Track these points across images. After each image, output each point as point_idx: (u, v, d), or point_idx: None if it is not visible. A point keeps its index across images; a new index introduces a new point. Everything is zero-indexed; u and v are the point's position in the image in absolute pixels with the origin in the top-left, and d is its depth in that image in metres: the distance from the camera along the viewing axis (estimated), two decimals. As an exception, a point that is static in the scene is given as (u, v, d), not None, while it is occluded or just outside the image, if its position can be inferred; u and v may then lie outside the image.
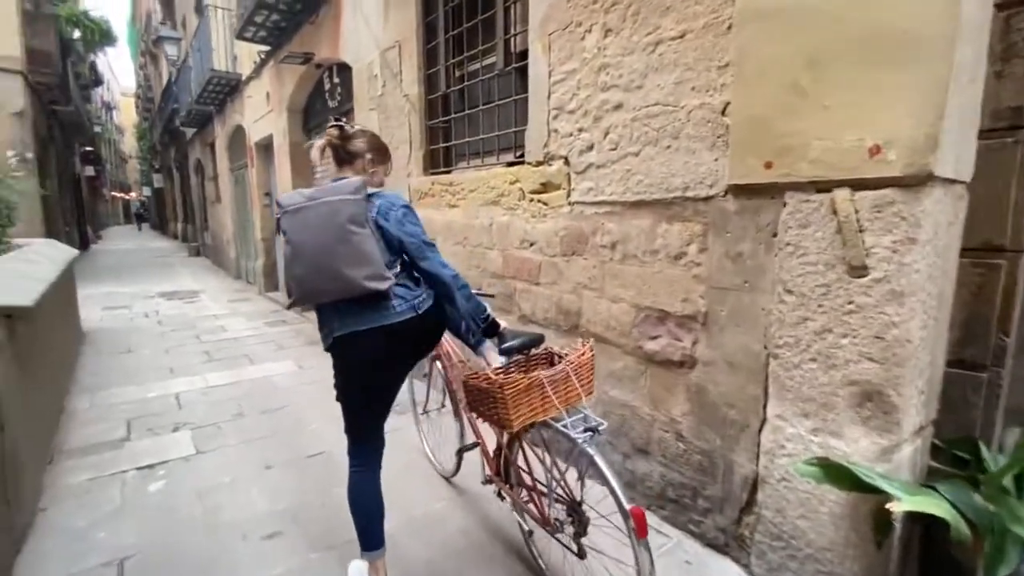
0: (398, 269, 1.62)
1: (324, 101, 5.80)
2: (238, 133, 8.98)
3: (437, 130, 3.68)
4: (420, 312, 1.64)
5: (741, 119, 1.76)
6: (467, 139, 3.41)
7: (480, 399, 1.65)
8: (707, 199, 1.93)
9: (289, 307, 1.56)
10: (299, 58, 5.27)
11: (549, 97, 2.58)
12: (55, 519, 2.27)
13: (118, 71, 44.73)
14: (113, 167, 37.97)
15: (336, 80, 5.38)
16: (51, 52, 8.91)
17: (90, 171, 20.31)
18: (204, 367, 4.60)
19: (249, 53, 7.12)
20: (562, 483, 1.71)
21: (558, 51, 2.50)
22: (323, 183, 1.62)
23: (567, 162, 2.53)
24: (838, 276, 1.56)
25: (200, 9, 9.42)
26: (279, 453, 2.92)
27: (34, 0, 8.64)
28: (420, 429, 2.87)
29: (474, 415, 1.93)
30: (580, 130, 2.43)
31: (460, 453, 2.38)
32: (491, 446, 2.04)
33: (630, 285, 2.28)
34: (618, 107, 2.23)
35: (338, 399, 1.74)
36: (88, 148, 19.63)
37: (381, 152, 1.78)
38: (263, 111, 7.16)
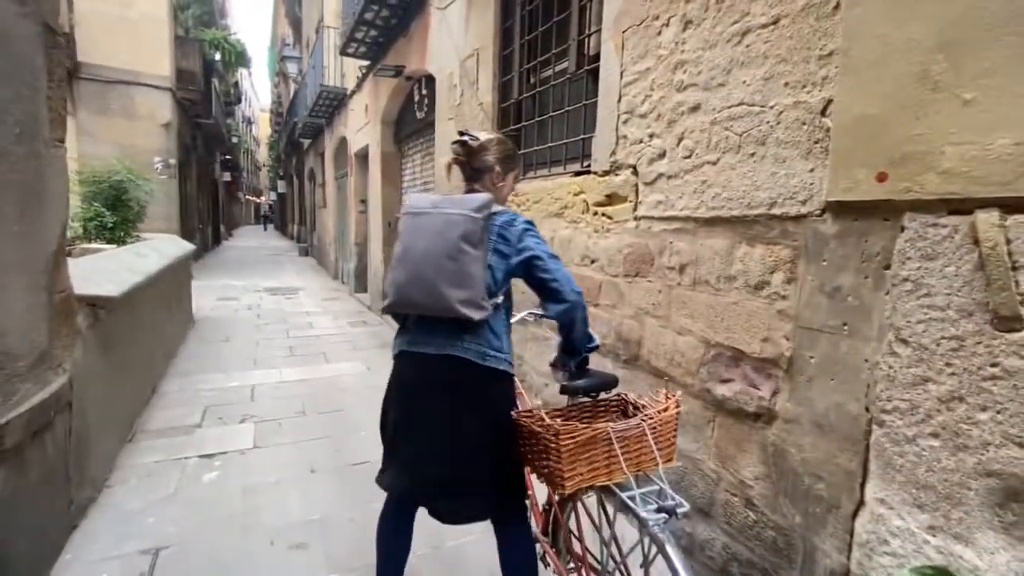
0: (500, 299, 1.46)
1: (413, 112, 5.96)
2: (342, 144, 9.62)
3: (509, 138, 3.55)
4: (483, 364, 1.41)
5: (847, 120, 1.40)
6: (535, 147, 3.24)
7: (530, 444, 1.37)
8: (798, 218, 1.57)
9: (383, 311, 1.50)
10: (391, 71, 5.46)
11: (620, 100, 2.33)
12: (116, 498, 2.41)
13: (259, 90, 50.74)
14: (249, 174, 43.12)
15: (424, 92, 5.50)
16: (196, 72, 10.21)
17: (227, 177, 23.14)
18: (284, 361, 4.85)
19: (354, 70, 7.58)
20: (621, 566, 1.45)
21: (631, 49, 2.25)
22: (456, 187, 1.62)
23: (635, 172, 2.26)
24: (977, 327, 1.16)
25: (318, 30, 10.28)
26: (327, 457, 2.92)
27: (185, 26, 9.96)
28: None
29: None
30: (651, 136, 2.16)
31: None
32: (540, 497, 1.81)
33: (700, 316, 1.95)
34: (695, 109, 1.93)
35: (381, 419, 1.61)
36: (227, 156, 22.41)
37: (509, 160, 1.60)
38: (362, 123, 7.57)
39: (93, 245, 4.09)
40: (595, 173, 2.52)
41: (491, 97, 3.56)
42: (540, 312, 2.12)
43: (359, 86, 7.50)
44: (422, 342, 1.45)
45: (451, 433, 1.43)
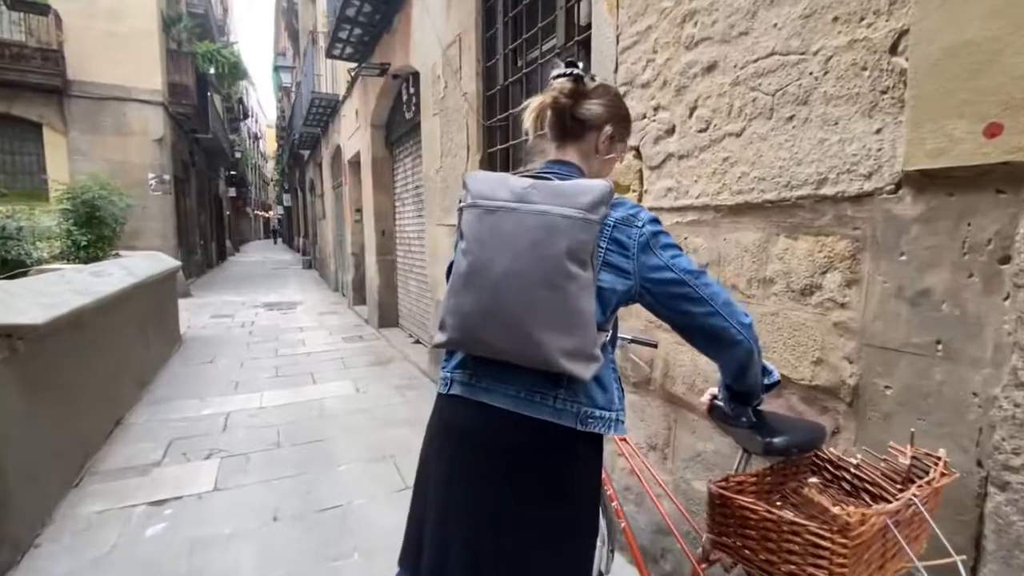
0: (608, 334, 1.01)
1: (403, 113, 5.63)
2: (338, 152, 9.35)
3: (495, 130, 3.17)
4: (583, 430, 0.95)
5: (933, 53, 0.99)
6: (525, 138, 2.85)
7: (755, 535, 0.94)
8: (860, 198, 1.16)
9: (435, 347, 1.00)
10: (376, 69, 5.14)
11: (616, 70, 1.93)
12: (40, 561, 2.05)
13: (265, 106, 51.26)
14: (257, 189, 43.46)
15: (412, 91, 5.16)
16: (189, 85, 10.02)
17: (232, 192, 23.13)
18: (268, 383, 4.50)
19: (346, 75, 7.29)
20: None
21: (628, 6, 1.85)
22: (534, 164, 1.07)
23: (638, 154, 1.86)
24: None
25: (312, 38, 10.06)
26: (294, 501, 2.54)
27: (177, 40, 9.79)
28: None
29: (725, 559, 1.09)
30: (656, 109, 1.76)
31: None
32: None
33: (726, 329, 1.53)
34: (710, 69, 1.53)
35: (418, 469, 1.12)
36: (232, 172, 22.39)
37: (624, 125, 1.10)
38: (353, 128, 7.27)
39: (51, 266, 3.78)
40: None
41: (475, 86, 3.19)
42: (641, 338, 1.67)
43: (349, 90, 7.21)
44: (488, 388, 0.99)
45: (503, 528, 0.96)
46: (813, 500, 0.83)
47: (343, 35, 5.54)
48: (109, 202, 4.93)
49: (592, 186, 0.87)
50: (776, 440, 1.08)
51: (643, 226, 0.94)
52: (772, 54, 1.33)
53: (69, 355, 2.70)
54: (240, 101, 23.31)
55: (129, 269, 4.08)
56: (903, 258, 1.08)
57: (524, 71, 2.81)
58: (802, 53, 1.26)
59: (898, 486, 1.00)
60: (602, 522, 1.62)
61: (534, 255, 0.86)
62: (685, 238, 1.68)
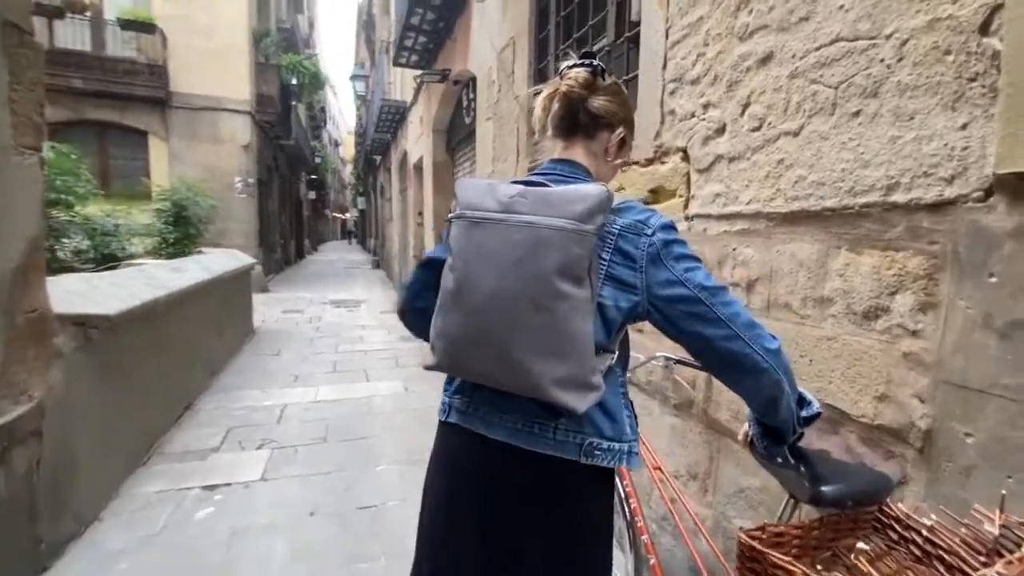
0: (614, 356, 0.89)
1: (462, 118, 5.69)
2: (404, 157, 9.65)
3: (545, 133, 3.10)
4: (587, 463, 0.86)
5: (1038, 29, 0.81)
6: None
7: None
8: (940, 206, 0.97)
9: (426, 368, 0.92)
10: (437, 75, 5.23)
11: (665, 65, 1.80)
12: (101, 534, 2.21)
13: (347, 114, 54.27)
14: (335, 192, 46.09)
15: (471, 96, 5.20)
16: (274, 95, 10.76)
17: (312, 195, 24.63)
18: (324, 378, 4.68)
19: (413, 83, 7.52)
20: None
21: (679, -3, 1.72)
22: (541, 162, 1.03)
23: (686, 156, 1.71)
24: None
25: (387, 49, 10.48)
26: (332, 496, 2.59)
27: (265, 53, 10.55)
28: None
29: None
30: (706, 106, 1.61)
31: None
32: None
33: (776, 352, 1.36)
34: (765, 61, 1.37)
35: (422, 498, 1.06)
36: (312, 176, 23.85)
37: (632, 129, 1.03)
38: (418, 134, 7.47)
39: (139, 261, 4.15)
40: (637, 163, 1.99)
41: (527, 88, 3.14)
42: (686, 358, 1.49)
43: (415, 97, 7.42)
44: (485, 418, 0.92)
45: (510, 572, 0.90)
46: (863, 571, 0.69)
47: (408, 43, 5.69)
48: (194, 203, 5.37)
49: (587, 192, 0.77)
50: (828, 489, 0.92)
51: (653, 234, 0.83)
52: (836, 40, 1.16)
53: (143, 344, 2.93)
54: (322, 109, 24.83)
55: (205, 265, 4.40)
56: (993, 280, 0.89)
57: (574, 72, 2.72)
58: (872, 38, 1.08)
59: (981, 559, 0.81)
60: (629, 557, 1.50)
61: (520, 273, 0.78)
62: (734, 248, 1.52)
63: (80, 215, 3.90)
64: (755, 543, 0.83)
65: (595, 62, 0.94)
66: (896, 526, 0.95)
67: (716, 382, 1.61)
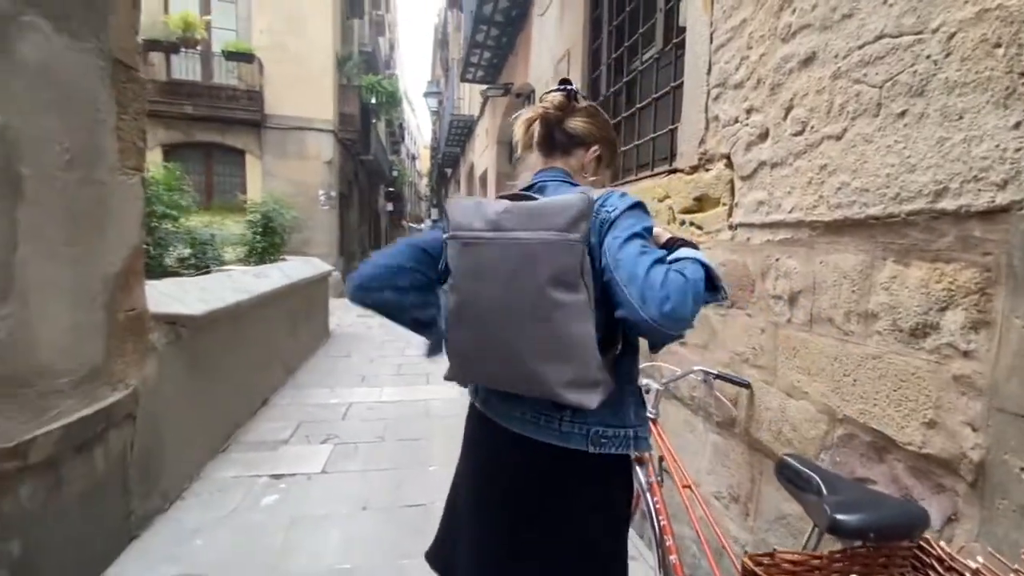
0: (619, 346, 0.91)
1: (524, 129, 5.78)
2: (471, 169, 9.93)
3: (597, 142, 3.09)
4: (595, 452, 0.90)
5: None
6: (623, 149, 2.72)
7: None
8: (992, 213, 0.88)
9: (445, 378, 1.01)
10: (500, 89, 5.37)
11: (709, 70, 1.75)
12: (182, 512, 2.47)
13: (423, 130, 56.80)
14: (411, 203, 48.24)
15: (533, 106, 5.28)
16: (355, 114, 11.51)
17: (389, 207, 25.95)
18: (388, 380, 4.92)
19: (480, 98, 7.76)
20: None
21: (723, 0, 1.67)
22: (522, 178, 1.10)
23: (729, 163, 1.65)
24: None
25: (457, 66, 10.90)
26: (384, 493, 2.72)
27: (348, 75, 11.32)
28: None
29: None
30: (749, 111, 1.55)
31: None
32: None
33: (820, 372, 1.28)
34: (808, 61, 1.30)
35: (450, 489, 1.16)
36: (390, 189, 25.14)
37: (610, 147, 1.09)
38: (483, 147, 7.67)
39: (228, 267, 4.60)
40: (681, 171, 1.94)
41: (580, 98, 3.15)
42: (730, 375, 1.55)
43: (482, 111, 7.63)
44: (496, 411, 0.98)
45: (525, 554, 0.94)
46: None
47: (474, 59, 5.90)
48: (279, 215, 5.87)
49: (569, 202, 0.80)
50: (847, 517, 0.86)
51: (614, 210, 0.87)
52: (880, 37, 1.09)
53: (227, 342, 3.25)
54: (400, 126, 26.17)
55: (286, 272, 4.79)
56: (1051, 296, 0.79)
57: (625, 79, 2.70)
58: (918, 33, 1.00)
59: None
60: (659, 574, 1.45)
61: (519, 285, 0.82)
62: (776, 259, 1.44)
63: (183, 226, 4.39)
64: (758, 569, 0.79)
65: (569, 87, 1.03)
66: (937, 566, 0.86)
67: (758, 401, 1.53)
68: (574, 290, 0.80)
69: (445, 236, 0.94)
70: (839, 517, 0.83)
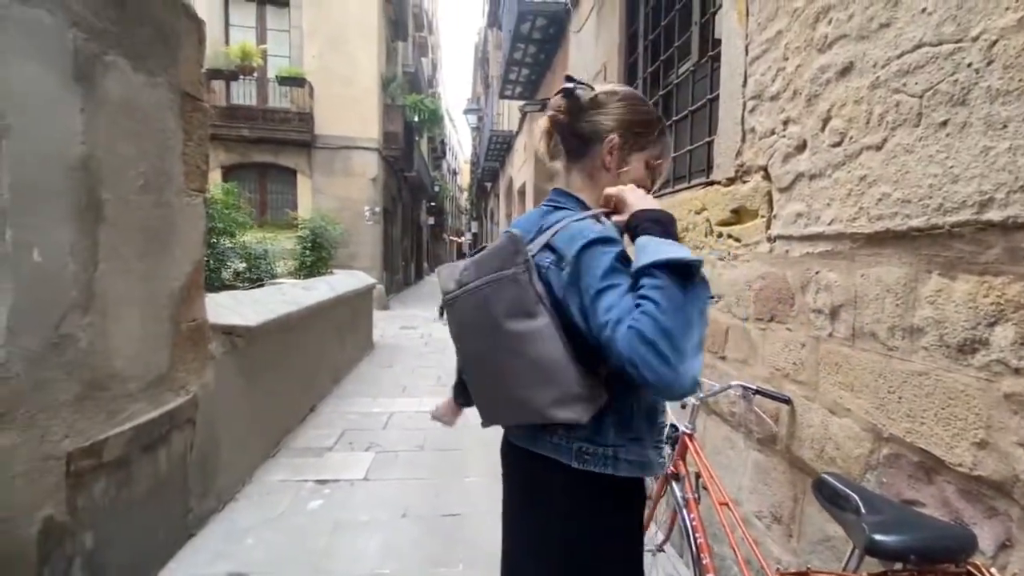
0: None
1: (562, 143, 5.84)
2: (510, 183, 10.06)
3: (634, 155, 3.09)
4: (578, 467, 0.89)
5: None
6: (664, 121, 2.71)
7: None
8: (1041, 225, 0.85)
9: (483, 425, 1.02)
10: (537, 105, 5.44)
11: (745, 83, 1.74)
12: (235, 512, 2.61)
13: (464, 146, 58.03)
14: (453, 217, 49.19)
15: (570, 120, 5.33)
16: (398, 132, 11.92)
17: (431, 221, 26.56)
18: (429, 390, 5.01)
19: (519, 114, 7.89)
20: None
21: (758, 12, 1.66)
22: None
23: (767, 175, 1.63)
24: None
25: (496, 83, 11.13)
26: (423, 501, 2.78)
27: (392, 95, 11.75)
28: None
29: None
30: (786, 122, 1.53)
31: None
32: None
33: (864, 388, 1.24)
34: (845, 72, 1.28)
35: None
36: (432, 203, 25.76)
37: (641, 129, 0.96)
38: (522, 161, 7.78)
39: (279, 280, 4.84)
40: (718, 183, 1.93)
41: (617, 112, 3.17)
42: (770, 391, 1.52)
43: (520, 126, 7.75)
44: (507, 428, 1.04)
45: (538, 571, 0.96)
46: None
47: (512, 76, 6.02)
48: (326, 230, 6.14)
49: (499, 244, 0.87)
50: (887, 538, 0.83)
51: (570, 235, 0.84)
52: (919, 46, 1.06)
53: (278, 352, 3.42)
54: (442, 142, 26.85)
55: (332, 285, 4.99)
56: (1108, 311, 0.75)
57: (660, 93, 2.70)
58: (958, 41, 0.98)
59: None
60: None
61: (481, 332, 0.89)
62: (816, 272, 1.41)
63: (239, 243, 4.68)
64: (789, 585, 0.78)
65: (575, 85, 0.95)
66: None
67: (799, 417, 1.49)
68: (532, 316, 0.82)
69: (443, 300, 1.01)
70: (877, 537, 0.81)
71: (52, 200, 1.58)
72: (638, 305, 0.70)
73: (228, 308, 2.76)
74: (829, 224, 1.35)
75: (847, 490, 0.94)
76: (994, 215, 0.92)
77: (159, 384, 2.09)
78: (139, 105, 1.91)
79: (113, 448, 1.81)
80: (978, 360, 0.96)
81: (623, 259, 0.80)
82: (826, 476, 1.02)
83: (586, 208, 0.95)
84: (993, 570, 0.83)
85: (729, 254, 1.86)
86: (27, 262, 1.51)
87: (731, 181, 1.84)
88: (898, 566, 0.85)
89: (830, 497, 0.98)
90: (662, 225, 0.79)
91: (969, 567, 0.85)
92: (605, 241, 0.81)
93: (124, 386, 1.89)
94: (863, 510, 0.87)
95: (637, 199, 0.84)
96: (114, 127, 1.80)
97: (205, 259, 2.72)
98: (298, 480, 2.99)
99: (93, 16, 1.70)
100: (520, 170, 8.03)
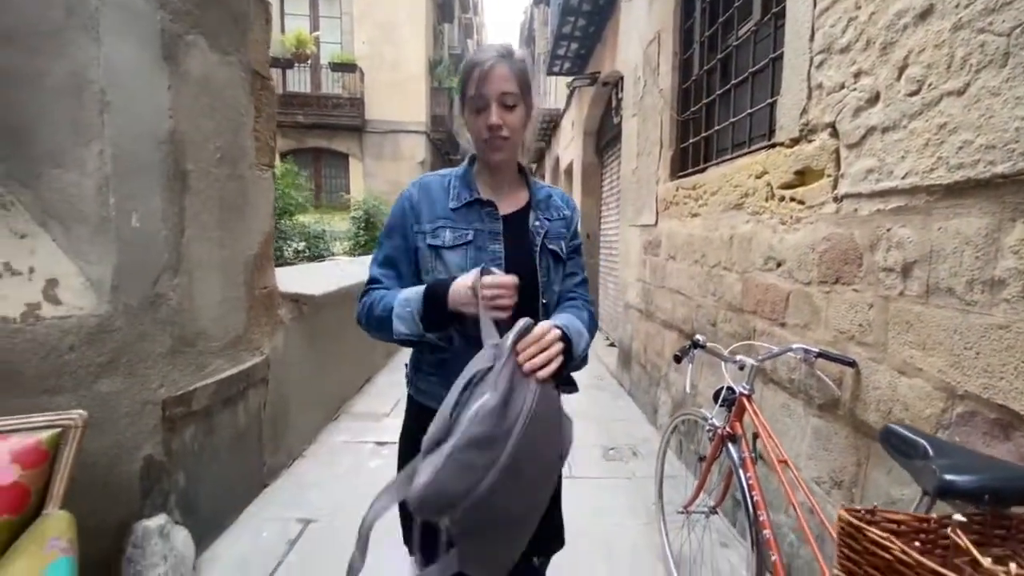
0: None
1: (611, 119, 5.73)
2: (557, 162, 9.98)
3: (687, 124, 3.01)
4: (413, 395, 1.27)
5: None
6: (716, 128, 2.64)
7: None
8: None
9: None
10: (587, 79, 5.37)
11: (812, 36, 1.67)
12: (302, 468, 2.81)
13: (508, 127, 57.87)
14: (497, 201, 49.48)
15: (619, 96, 5.22)
16: (444, 115, 12.02)
17: (476, 204, 26.78)
18: (477, 366, 5.13)
19: (566, 91, 7.78)
20: None
21: (828, -40, 1.58)
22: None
23: (834, 132, 1.57)
24: None
25: (542, 60, 10.98)
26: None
27: (439, 79, 11.84)
28: (665, 530, 2.06)
29: None
30: (857, 75, 1.46)
31: None
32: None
33: (937, 346, 1.20)
34: (924, 16, 1.21)
35: None
36: (477, 186, 25.95)
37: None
38: (569, 139, 7.69)
39: (336, 257, 5.06)
40: (781, 144, 1.87)
41: (670, 80, 3.09)
42: (833, 353, 1.52)
43: (567, 103, 7.65)
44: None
45: None
46: (960, 546, 0.63)
47: (561, 52, 5.94)
48: (379, 211, 6.33)
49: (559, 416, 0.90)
50: (958, 478, 0.82)
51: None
52: (1011, -21, 1.00)
53: (337, 322, 3.60)
54: (486, 124, 26.81)
55: (384, 262, 5.17)
56: None
57: (719, 56, 2.61)
58: (1057, -32, 0.91)
59: None
60: (751, 553, 1.44)
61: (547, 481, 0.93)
62: (888, 229, 1.36)
63: (298, 223, 4.92)
64: (853, 519, 0.78)
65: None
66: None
67: (865, 380, 1.45)
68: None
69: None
70: (948, 477, 0.80)
71: (146, 170, 1.74)
72: None
73: (294, 279, 2.93)
74: (903, 178, 1.29)
75: (915, 437, 0.92)
76: (1093, 153, 0.86)
77: (236, 344, 2.26)
78: (215, 82, 2.05)
79: (200, 399, 1.98)
80: (1068, 309, 0.91)
81: None
82: (893, 426, 1.01)
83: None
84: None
85: (792, 217, 1.81)
86: (127, 227, 1.67)
87: (795, 141, 1.78)
88: (970, 511, 0.83)
89: (898, 446, 0.96)
90: None
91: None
92: None
93: (208, 343, 2.06)
94: (932, 453, 0.86)
95: None
96: (195, 103, 1.94)
97: (272, 232, 2.89)
98: (358, 442, 3.17)
99: (177, -1, 1.83)
100: (567, 148, 7.95)
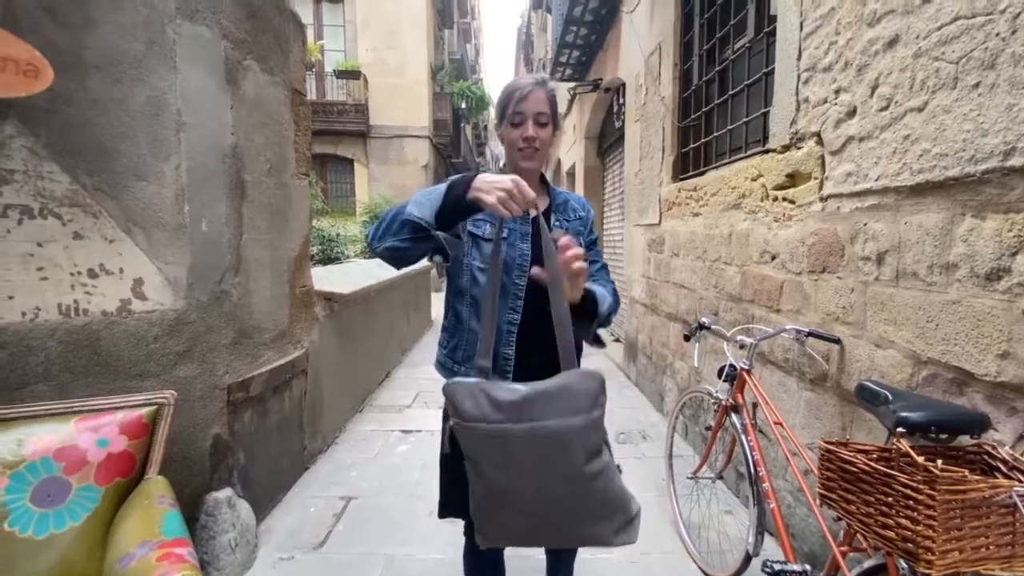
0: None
1: (612, 124, 5.96)
2: (558, 166, 10.21)
3: (688, 130, 3.24)
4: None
5: None
6: (714, 135, 2.87)
7: (857, 489, 0.98)
8: (1054, 166, 1.02)
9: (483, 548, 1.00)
10: (589, 86, 5.59)
11: (800, 56, 1.90)
12: (337, 453, 3.03)
13: (506, 129, 58.12)
14: (496, 203, 49.62)
15: (621, 101, 5.45)
16: (447, 120, 12.26)
17: (476, 206, 26.92)
18: (488, 362, 5.36)
19: (567, 95, 8.01)
20: None
21: (812, -9, 1.82)
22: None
23: (819, 140, 1.81)
24: None
25: (544, 66, 11.21)
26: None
27: (440, 84, 12.07)
28: (674, 495, 2.28)
29: (840, 509, 1.04)
30: (837, 92, 1.70)
31: (748, 561, 1.67)
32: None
33: (905, 321, 1.43)
34: (892, 44, 1.45)
35: None
36: (477, 189, 26.07)
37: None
38: (571, 143, 7.92)
39: (352, 260, 5.28)
40: (774, 150, 2.10)
41: (671, 89, 3.32)
42: (820, 332, 1.73)
43: (569, 108, 7.88)
44: None
45: None
46: (902, 450, 0.85)
47: (563, 59, 6.17)
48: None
49: (589, 385, 0.85)
50: (911, 414, 1.05)
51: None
52: (956, 19, 1.23)
53: (361, 320, 3.83)
54: (484, 128, 27.10)
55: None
56: (1103, 232, 0.93)
57: (717, 68, 2.85)
58: (988, 14, 1.15)
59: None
60: (752, 507, 1.66)
61: (552, 475, 0.86)
62: (864, 224, 1.59)
63: (315, 227, 5.13)
64: (830, 445, 1.01)
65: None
66: (1002, 467, 1.03)
67: (849, 354, 1.68)
68: (601, 454, 0.87)
69: (452, 423, 0.92)
70: (903, 414, 1.03)
71: (213, 181, 1.96)
72: None
73: (326, 279, 3.16)
74: (876, 180, 1.52)
75: (879, 388, 1.15)
76: (1016, 161, 1.09)
77: (282, 337, 2.49)
78: (265, 101, 2.28)
79: (256, 385, 2.21)
80: (1002, 285, 1.14)
81: None
82: (864, 381, 1.23)
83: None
84: (1007, 448, 1.03)
85: (784, 215, 2.04)
86: (199, 231, 1.90)
87: (786, 148, 2.01)
88: (922, 443, 1.06)
89: (867, 397, 1.19)
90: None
91: (987, 447, 1.06)
92: None
93: (261, 336, 2.28)
94: (891, 399, 1.09)
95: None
96: (250, 120, 2.17)
97: (304, 235, 3.11)
98: (385, 430, 3.39)
99: (235, 28, 2.05)
100: (569, 152, 8.18)
